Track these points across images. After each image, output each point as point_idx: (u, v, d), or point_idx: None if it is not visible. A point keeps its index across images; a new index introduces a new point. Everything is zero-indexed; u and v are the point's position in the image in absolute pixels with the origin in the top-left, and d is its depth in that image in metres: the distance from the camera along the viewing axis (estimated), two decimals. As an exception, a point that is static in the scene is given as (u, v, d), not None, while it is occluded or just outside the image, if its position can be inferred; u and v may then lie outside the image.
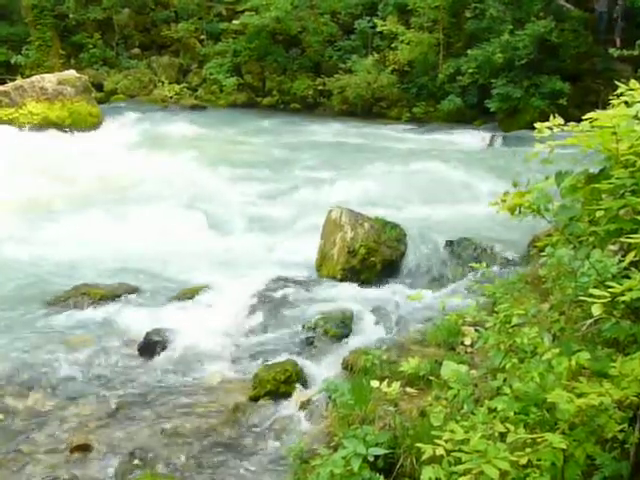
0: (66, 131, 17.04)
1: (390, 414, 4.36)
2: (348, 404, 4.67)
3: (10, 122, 16.98)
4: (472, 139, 17.20)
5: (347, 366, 6.15)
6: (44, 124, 17.09)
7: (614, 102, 2.68)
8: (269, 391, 5.94)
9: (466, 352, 5.33)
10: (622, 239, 2.48)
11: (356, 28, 22.22)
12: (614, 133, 2.56)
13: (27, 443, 5.36)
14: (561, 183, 2.83)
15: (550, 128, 2.79)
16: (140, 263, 8.89)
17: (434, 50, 20.32)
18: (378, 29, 20.88)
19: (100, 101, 20.23)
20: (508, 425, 2.61)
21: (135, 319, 7.43)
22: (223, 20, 24.43)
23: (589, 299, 2.44)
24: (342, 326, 7.07)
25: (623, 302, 2.49)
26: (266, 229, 10.12)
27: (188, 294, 8.00)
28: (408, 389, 4.45)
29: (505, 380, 3.12)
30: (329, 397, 4.99)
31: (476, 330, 4.51)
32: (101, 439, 5.39)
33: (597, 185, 2.67)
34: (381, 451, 3.91)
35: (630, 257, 2.46)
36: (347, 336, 6.99)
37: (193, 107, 22.26)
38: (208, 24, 24.67)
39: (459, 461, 2.46)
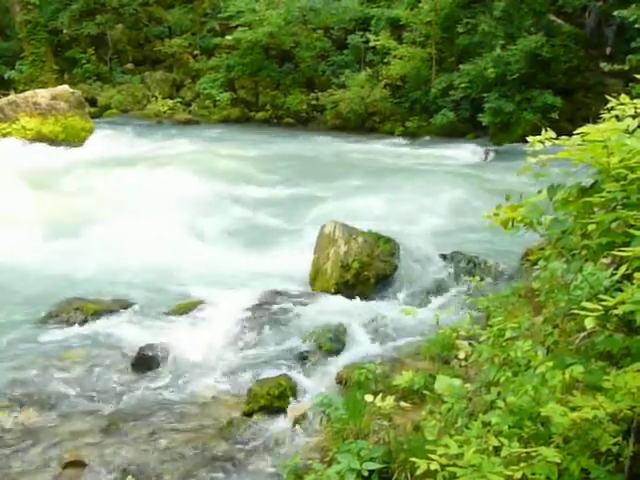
0: (59, 146, 17.03)
1: (384, 428, 4.35)
2: (342, 419, 4.65)
3: (3, 137, 16.99)
4: (465, 153, 17.28)
5: (341, 380, 6.14)
6: (37, 139, 17.08)
7: (605, 116, 2.71)
8: (263, 406, 5.92)
9: (460, 366, 5.32)
10: (614, 252, 2.48)
11: (349, 43, 22.35)
12: (605, 147, 2.58)
13: (19, 460, 5.31)
14: (553, 197, 2.84)
15: (542, 142, 2.80)
16: (134, 277, 8.86)
17: (427, 65, 20.46)
18: (371, 44, 21.02)
19: (94, 116, 20.26)
20: (502, 439, 2.61)
21: (129, 334, 7.40)
22: (216, 35, 24.55)
23: (582, 312, 2.44)
24: (336, 340, 7.06)
25: (616, 315, 2.50)
26: (260, 243, 10.12)
27: (181, 309, 7.97)
28: (402, 403, 4.43)
29: (499, 394, 3.12)
30: (323, 412, 4.98)
31: (470, 344, 4.51)
32: (94, 455, 5.35)
33: (589, 198, 2.68)
34: (375, 466, 3.90)
35: (622, 270, 2.47)
36: (341, 350, 6.98)
37: (186, 122, 22.33)
38: (201, 39, 24.80)
39: (454, 476, 2.45)
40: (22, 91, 19.88)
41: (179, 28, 25.24)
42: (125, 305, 8.08)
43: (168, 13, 25.87)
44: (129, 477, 5.09)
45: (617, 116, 2.68)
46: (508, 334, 3.33)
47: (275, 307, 7.88)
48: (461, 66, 18.86)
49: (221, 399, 6.24)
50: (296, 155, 16.98)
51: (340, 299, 8.16)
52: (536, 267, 4.01)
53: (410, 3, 20.95)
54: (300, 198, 12.29)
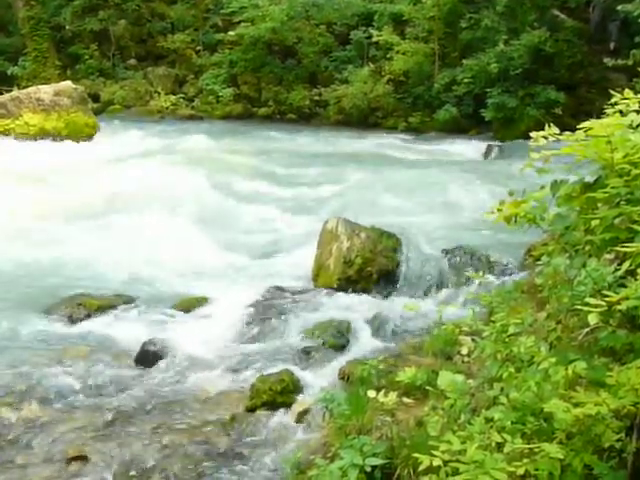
0: (62, 142, 17.03)
1: (387, 424, 4.34)
2: (345, 414, 4.65)
3: (6, 133, 17.00)
4: (468, 148, 17.25)
5: (344, 376, 6.13)
6: (40, 135, 17.09)
7: (609, 111, 2.69)
8: (266, 402, 5.92)
9: (463, 362, 5.30)
10: (618, 248, 2.48)
11: (352, 39, 22.31)
12: (609, 142, 2.57)
13: (22, 454, 5.32)
14: (557, 192, 2.83)
15: (545, 137, 2.79)
16: (137, 273, 8.87)
17: (429, 60, 20.41)
18: (374, 39, 20.96)
19: (97, 112, 20.28)
20: (505, 435, 2.60)
21: (131, 330, 7.41)
22: (219, 31, 24.52)
23: (585, 308, 2.43)
24: (339, 336, 7.06)
25: (619, 311, 2.49)
26: (262, 239, 10.12)
27: (185, 304, 7.98)
28: (405, 399, 4.42)
29: (502, 390, 3.11)
30: (326, 407, 4.98)
31: (473, 339, 4.50)
32: (97, 450, 5.36)
33: (592, 194, 2.67)
34: (378, 462, 3.89)
35: (626, 266, 2.46)
36: (344, 346, 6.98)
37: (189, 118, 22.31)
38: (204, 35, 24.78)
39: (456, 472, 2.45)
40: (25, 87, 19.88)
41: (182, 24, 25.23)
42: (128, 301, 8.10)
43: (171, 9, 25.87)
44: (132, 472, 5.10)
45: (621, 111, 2.67)
46: (511, 330, 3.32)
47: (278, 303, 7.88)
48: (464, 61, 18.83)
49: (224, 394, 6.24)
50: (299, 151, 16.96)
51: (343, 295, 8.16)
52: (539, 263, 3.99)
53: (413, -2, 20.92)
54: (302, 193, 12.28)
